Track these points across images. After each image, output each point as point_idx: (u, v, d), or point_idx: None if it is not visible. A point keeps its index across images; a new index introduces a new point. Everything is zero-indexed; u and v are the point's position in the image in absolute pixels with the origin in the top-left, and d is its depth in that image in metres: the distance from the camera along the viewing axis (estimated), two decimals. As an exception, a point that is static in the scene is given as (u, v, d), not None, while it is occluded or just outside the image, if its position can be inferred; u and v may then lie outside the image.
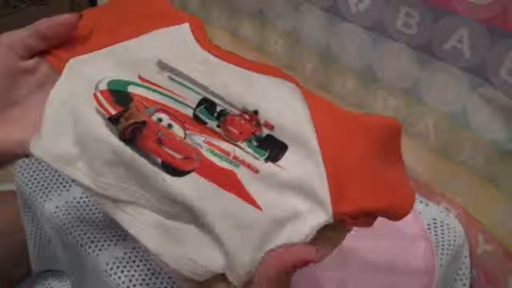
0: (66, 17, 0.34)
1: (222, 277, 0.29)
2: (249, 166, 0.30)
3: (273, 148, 0.30)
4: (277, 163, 0.30)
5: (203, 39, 0.35)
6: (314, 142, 0.30)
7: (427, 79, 0.50)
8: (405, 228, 0.51)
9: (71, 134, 0.32)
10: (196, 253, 0.29)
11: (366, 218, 0.29)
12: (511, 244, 0.49)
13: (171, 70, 0.33)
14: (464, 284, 0.53)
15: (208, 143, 0.31)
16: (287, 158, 0.30)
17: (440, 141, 0.53)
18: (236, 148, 0.31)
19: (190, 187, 0.29)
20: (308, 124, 0.30)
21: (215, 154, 0.30)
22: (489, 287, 0.52)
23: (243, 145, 0.31)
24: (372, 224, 0.30)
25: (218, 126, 0.32)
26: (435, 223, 0.53)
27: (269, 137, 0.31)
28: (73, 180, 0.32)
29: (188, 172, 0.30)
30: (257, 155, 0.30)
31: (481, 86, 0.46)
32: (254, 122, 0.31)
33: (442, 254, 0.50)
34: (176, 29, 0.36)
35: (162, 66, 0.33)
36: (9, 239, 0.75)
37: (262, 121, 0.31)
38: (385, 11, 0.50)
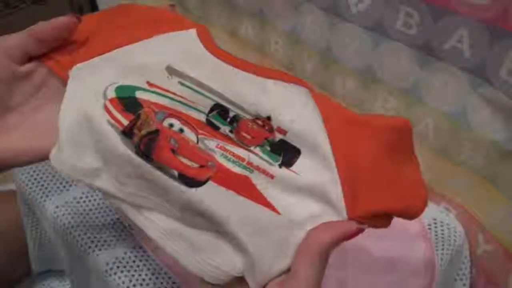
0: (64, 19, 0.33)
1: (239, 279, 0.30)
2: (264, 171, 0.30)
3: (287, 152, 0.31)
4: (291, 168, 0.30)
5: (210, 44, 0.35)
6: (326, 147, 0.30)
7: (427, 79, 0.50)
8: (405, 228, 0.51)
9: (90, 147, 0.32)
10: (217, 258, 0.30)
11: (381, 219, 0.30)
12: (511, 244, 0.49)
13: (181, 75, 0.33)
14: (464, 284, 0.53)
15: (221, 148, 0.31)
16: (300, 163, 0.30)
17: (440, 141, 0.53)
18: (250, 154, 0.31)
19: (209, 197, 0.30)
20: (320, 129, 0.31)
21: (229, 160, 0.31)
22: (489, 287, 0.52)
23: (257, 150, 0.31)
24: (388, 224, 0.30)
25: (231, 131, 0.32)
26: (435, 223, 0.53)
27: (282, 141, 0.31)
28: (102, 192, 0.32)
29: (205, 182, 0.30)
30: (271, 161, 0.31)
31: (481, 86, 0.46)
32: (267, 128, 0.31)
33: (442, 254, 0.50)
34: (182, 34, 0.35)
35: (172, 71, 0.33)
36: (9, 239, 0.76)
37: (275, 127, 0.31)
38: (385, 11, 0.50)
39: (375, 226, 0.30)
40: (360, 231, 0.29)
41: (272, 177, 0.30)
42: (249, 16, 0.68)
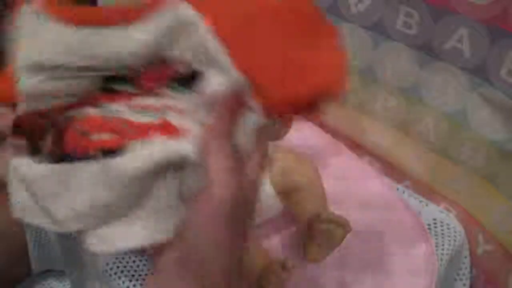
0: None
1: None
2: (175, 109, 0.29)
3: (193, 81, 0.29)
4: (202, 92, 0.29)
5: (51, 7, 0.30)
6: (225, 58, 0.28)
7: (427, 79, 0.50)
8: (405, 228, 0.51)
9: None
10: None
11: (303, 108, 0.29)
12: (511, 244, 0.49)
13: (49, 69, 0.29)
14: (464, 284, 0.53)
15: (127, 105, 0.29)
16: (209, 84, 0.28)
17: (440, 141, 0.53)
18: (158, 98, 0.29)
19: (134, 160, 0.28)
20: (214, 43, 0.28)
21: (138, 112, 0.29)
22: (489, 287, 0.52)
23: (165, 91, 0.29)
24: (317, 111, 0.29)
25: (132, 86, 0.30)
26: (435, 223, 0.53)
27: (185, 73, 0.29)
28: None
29: (126, 146, 0.28)
30: (182, 95, 0.29)
31: (481, 86, 0.46)
32: (164, 68, 0.29)
33: (442, 254, 0.50)
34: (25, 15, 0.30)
35: (37, 68, 0.29)
36: (9, 239, 0.75)
37: (171, 63, 0.29)
38: (385, 11, 0.50)
39: (305, 116, 0.28)
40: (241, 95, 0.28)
41: (181, 112, 0.29)
42: (249, 16, 0.68)
